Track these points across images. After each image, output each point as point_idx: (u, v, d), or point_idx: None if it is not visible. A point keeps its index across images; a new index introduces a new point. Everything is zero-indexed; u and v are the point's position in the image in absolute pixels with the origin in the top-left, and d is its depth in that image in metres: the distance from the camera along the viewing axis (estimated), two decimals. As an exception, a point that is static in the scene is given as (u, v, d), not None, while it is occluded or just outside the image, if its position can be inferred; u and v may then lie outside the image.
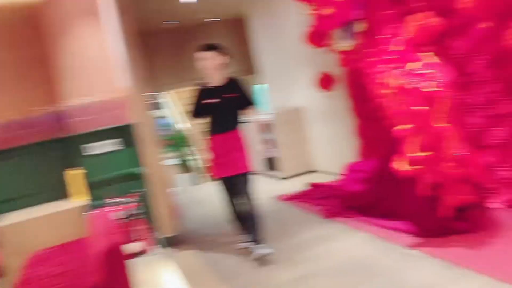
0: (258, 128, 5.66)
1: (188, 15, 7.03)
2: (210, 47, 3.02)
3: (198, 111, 2.99)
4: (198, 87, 3.03)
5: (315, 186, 4.40)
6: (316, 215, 3.58)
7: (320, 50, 3.98)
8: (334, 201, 3.68)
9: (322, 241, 3.01)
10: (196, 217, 4.47)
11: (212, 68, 2.95)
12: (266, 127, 5.53)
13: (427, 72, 2.35)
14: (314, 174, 5.24)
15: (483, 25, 2.37)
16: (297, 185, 4.80)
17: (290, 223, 3.59)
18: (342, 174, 4.03)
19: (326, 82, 4.19)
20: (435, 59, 2.59)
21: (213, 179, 3.21)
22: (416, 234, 2.64)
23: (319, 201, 3.87)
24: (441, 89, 2.23)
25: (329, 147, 4.97)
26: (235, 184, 2.94)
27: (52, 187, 3.52)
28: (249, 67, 8.08)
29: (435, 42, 2.75)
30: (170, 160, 10.49)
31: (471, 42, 2.68)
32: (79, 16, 3.40)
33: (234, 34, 8.13)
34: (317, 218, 3.52)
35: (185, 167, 9.82)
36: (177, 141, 9.93)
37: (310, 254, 2.82)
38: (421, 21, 2.64)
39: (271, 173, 5.57)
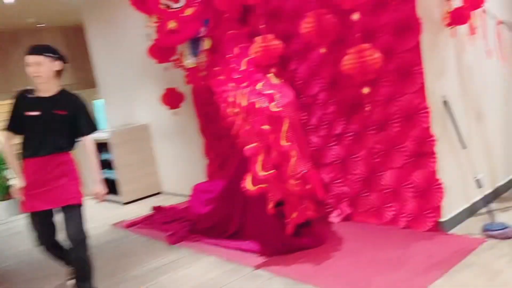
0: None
1: (14, 18, 6.09)
2: (42, 50, 2.36)
3: (14, 124, 2.34)
4: (19, 94, 2.39)
5: (159, 209, 4.15)
6: (160, 242, 3.33)
7: (165, 65, 3.81)
8: (179, 225, 3.49)
9: (166, 270, 2.78)
10: (14, 253, 3.74)
11: (42, 75, 2.30)
12: (103, 146, 5.05)
13: (269, 93, 2.40)
14: (160, 197, 4.97)
15: (321, 50, 2.53)
16: (141, 209, 4.46)
17: (131, 253, 3.25)
18: (188, 196, 3.89)
19: (171, 98, 4.02)
20: (277, 81, 2.69)
21: (24, 213, 2.47)
22: (263, 254, 2.64)
23: (163, 226, 3.62)
24: (283, 109, 2.29)
25: (176, 167, 4.78)
26: (64, 220, 2.37)
27: None
28: (87, 80, 7.41)
29: (277, 64, 2.86)
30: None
31: (310, 66, 2.86)
32: None
33: (70, 43, 7.39)
34: (161, 245, 3.27)
35: (2, 192, 8.38)
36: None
37: (154, 286, 2.57)
38: (263, 43, 2.71)
39: (110, 197, 5.08)
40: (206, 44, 3.36)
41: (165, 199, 4.79)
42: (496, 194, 2.84)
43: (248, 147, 2.37)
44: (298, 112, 2.56)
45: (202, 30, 3.31)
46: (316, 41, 2.53)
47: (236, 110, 2.60)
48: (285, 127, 2.27)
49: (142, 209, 4.44)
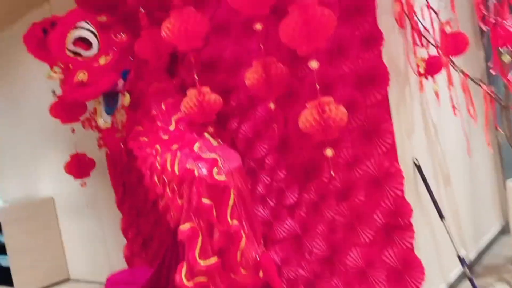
0: (-19, 228, 4.17)
1: None
2: None
3: None
4: None
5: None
6: None
7: (72, 125, 3.18)
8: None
9: None
10: None
11: None
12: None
13: (209, 157, 1.90)
14: (68, 285, 4.07)
15: (270, 105, 2.13)
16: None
17: None
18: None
19: (80, 166, 3.35)
20: (215, 142, 2.22)
21: None
22: None
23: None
24: (228, 177, 1.80)
25: (87, 248, 3.98)
26: None
27: None
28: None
29: (214, 122, 2.41)
30: None
31: (255, 124, 2.44)
32: None
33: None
34: None
35: None
36: None
37: None
38: (197, 98, 2.25)
39: (1, 290, 4.08)
40: (125, 99, 2.82)
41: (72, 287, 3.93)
42: (469, 267, 2.53)
43: (182, 227, 1.82)
44: (246, 180, 2.08)
45: (120, 83, 2.79)
46: (262, 94, 2.14)
47: (165, 178, 2.06)
48: (231, 200, 1.78)
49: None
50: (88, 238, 3.93)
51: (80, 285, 3.99)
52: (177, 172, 1.92)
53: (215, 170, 1.80)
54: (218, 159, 1.86)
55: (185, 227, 1.82)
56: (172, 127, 2.38)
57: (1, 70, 4.51)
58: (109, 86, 2.71)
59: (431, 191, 2.12)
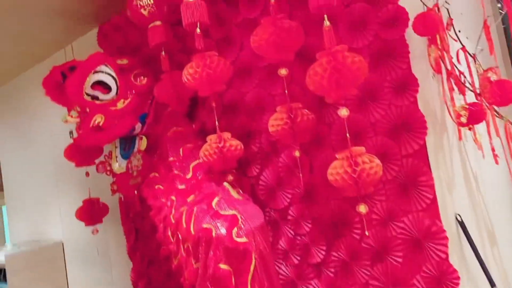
0: (-13, 274, 4.02)
1: None
2: None
3: None
4: None
5: None
6: None
7: (87, 169, 3.08)
8: None
9: None
10: None
11: None
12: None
13: (229, 214, 1.73)
14: None
15: (295, 153, 1.99)
16: None
17: None
18: None
19: (93, 212, 3.21)
20: (236, 194, 2.06)
21: None
22: None
23: None
24: (249, 239, 1.63)
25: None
26: None
27: None
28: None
29: (234, 169, 2.26)
30: None
31: (277, 171, 2.28)
32: None
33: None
34: None
35: None
36: None
37: None
38: (218, 143, 2.13)
39: None
40: (141, 143, 2.72)
41: None
42: None
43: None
44: (268, 239, 1.90)
45: (137, 127, 2.69)
46: (287, 141, 2.00)
47: (180, 236, 1.90)
48: (252, 266, 1.59)
49: None
50: (97, 286, 3.73)
51: None
52: (192, 232, 1.74)
53: (234, 230, 1.63)
54: (239, 216, 1.69)
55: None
56: (189, 175, 2.24)
57: (18, 110, 4.51)
58: (126, 131, 2.62)
59: (478, 253, 1.90)
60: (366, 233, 1.79)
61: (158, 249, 3.02)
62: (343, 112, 1.68)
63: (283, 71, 1.92)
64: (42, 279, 3.86)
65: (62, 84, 2.72)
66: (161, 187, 2.35)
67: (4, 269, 3.74)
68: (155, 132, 2.74)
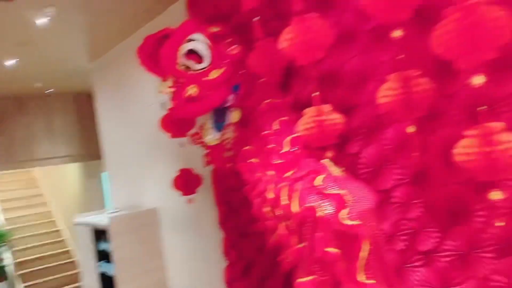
0: (92, 234, 4.33)
1: (20, 83, 5.67)
2: None
3: None
4: None
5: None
6: None
7: (180, 140, 3.10)
8: None
9: None
10: None
11: None
12: (101, 234, 4.24)
13: (336, 193, 1.57)
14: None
15: (401, 128, 1.76)
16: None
17: None
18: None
19: (185, 182, 3.25)
20: (338, 171, 1.89)
21: None
22: None
23: None
24: (360, 222, 1.46)
25: (188, 264, 3.90)
26: None
27: None
28: (96, 150, 6.87)
29: (334, 146, 2.09)
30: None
31: (382, 148, 2.06)
32: None
33: (82, 111, 6.96)
34: None
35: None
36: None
37: None
38: (317, 117, 1.96)
39: (106, 298, 4.19)
40: (234, 115, 2.65)
41: (172, 306, 3.86)
42: None
43: (302, 280, 1.52)
44: (380, 226, 1.72)
45: (230, 98, 2.62)
46: (399, 116, 1.77)
47: (279, 212, 1.79)
48: (364, 251, 1.43)
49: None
50: (189, 254, 3.85)
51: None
52: (295, 210, 1.62)
53: (344, 212, 1.47)
54: (348, 197, 1.53)
55: (306, 279, 1.51)
56: (285, 150, 2.11)
57: (116, 81, 4.71)
58: (220, 102, 2.55)
59: None
60: (499, 223, 1.53)
61: (250, 222, 2.98)
62: (477, 80, 1.41)
63: (397, 33, 1.67)
64: (140, 241, 4.08)
65: (156, 54, 2.71)
66: (255, 161, 2.26)
67: (107, 231, 4.01)
68: (247, 104, 2.64)
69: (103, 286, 4.25)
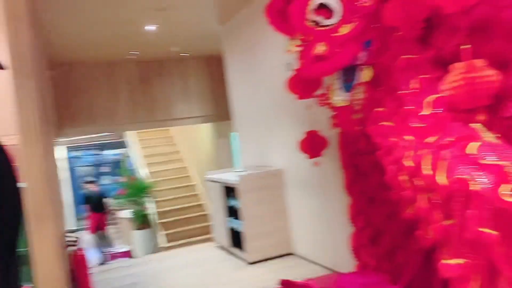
0: (222, 191, 4.61)
1: (158, 47, 6.16)
2: None
3: None
4: None
5: (287, 284, 3.30)
6: None
7: (307, 101, 3.04)
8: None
9: None
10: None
11: None
12: (230, 191, 4.48)
13: (496, 164, 1.34)
14: (291, 260, 4.14)
15: None
16: (268, 275, 3.71)
17: None
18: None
19: (311, 144, 3.21)
20: (493, 138, 1.63)
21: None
22: None
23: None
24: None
25: (312, 227, 3.92)
26: None
27: None
28: (226, 111, 7.21)
29: (487, 108, 1.81)
30: (125, 212, 9.29)
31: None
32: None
33: (214, 73, 7.32)
34: None
35: (142, 221, 8.62)
36: (134, 190, 8.77)
37: None
38: (467, 74, 1.70)
39: (235, 251, 4.45)
40: (365, 74, 2.47)
41: (296, 265, 3.95)
42: None
43: (450, 261, 1.36)
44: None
45: (361, 56, 2.44)
46: None
47: (420, 183, 1.63)
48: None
49: (270, 275, 3.68)
50: (314, 216, 3.86)
51: (302, 263, 4.00)
52: (442, 181, 1.44)
53: (504, 187, 1.25)
54: (510, 169, 1.30)
55: (455, 262, 1.34)
56: (426, 112, 1.89)
57: (244, 43, 4.80)
58: (350, 60, 2.39)
59: None
60: None
61: (379, 188, 2.83)
62: None
63: None
64: (266, 201, 4.21)
65: (284, 11, 2.64)
66: (389, 124, 2.08)
67: (236, 189, 4.22)
68: (381, 61, 2.43)
69: (232, 240, 4.53)
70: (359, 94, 2.52)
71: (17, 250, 0.80)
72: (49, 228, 2.36)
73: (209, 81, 7.41)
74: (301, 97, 2.95)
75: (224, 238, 4.72)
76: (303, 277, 3.51)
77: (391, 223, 2.78)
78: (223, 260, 4.47)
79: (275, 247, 4.21)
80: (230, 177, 4.45)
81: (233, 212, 4.46)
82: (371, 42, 2.42)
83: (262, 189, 4.22)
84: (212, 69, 7.33)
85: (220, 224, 4.81)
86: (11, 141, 2.27)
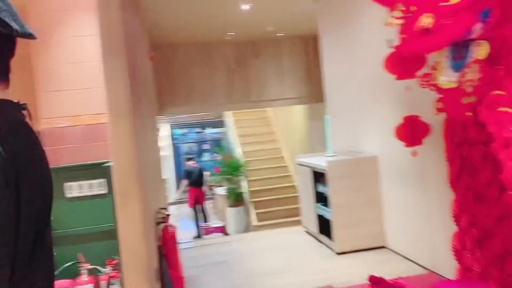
0: (311, 176, 4.40)
1: (253, 27, 6.08)
2: None
3: None
4: None
5: (378, 283, 3.03)
6: None
7: (407, 82, 2.68)
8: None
9: None
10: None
11: None
12: (319, 176, 4.26)
13: None
14: (382, 254, 3.83)
15: None
16: (357, 269, 3.48)
17: None
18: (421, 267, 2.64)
19: (410, 131, 2.84)
20: None
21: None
22: None
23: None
24: None
25: (408, 222, 3.55)
26: None
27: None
28: (320, 93, 6.95)
29: None
30: (221, 189, 9.57)
31: None
32: (70, 9, 2.51)
33: (309, 53, 7.08)
34: None
35: (236, 199, 8.81)
36: (229, 168, 8.95)
37: None
38: None
39: (323, 238, 4.26)
40: (480, 51, 2.06)
41: (388, 260, 3.63)
42: None
43: None
44: None
45: (476, 29, 2.03)
46: None
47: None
48: None
49: (359, 269, 3.44)
50: (410, 209, 3.49)
51: (394, 258, 3.66)
52: None
53: None
54: None
55: None
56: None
57: (339, 21, 4.46)
58: (462, 33, 2.01)
59: None
60: None
61: (490, 186, 2.42)
62: None
63: None
64: (357, 189, 3.92)
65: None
66: (509, 110, 1.70)
67: (325, 174, 3.99)
68: (501, 34, 2.01)
69: (320, 227, 4.33)
70: (472, 74, 2.12)
71: (46, 240, 0.71)
72: (134, 205, 2.38)
73: (304, 61, 7.18)
74: (400, 77, 2.60)
75: (312, 224, 4.54)
76: (394, 274, 3.21)
77: (502, 226, 2.36)
78: (310, 247, 4.30)
79: (365, 239, 3.92)
80: (320, 161, 4.23)
81: (322, 198, 4.25)
82: (489, 12, 2.01)
83: (353, 176, 3.93)
84: (307, 49, 7.09)
85: (308, 210, 4.64)
86: (100, 119, 2.31)
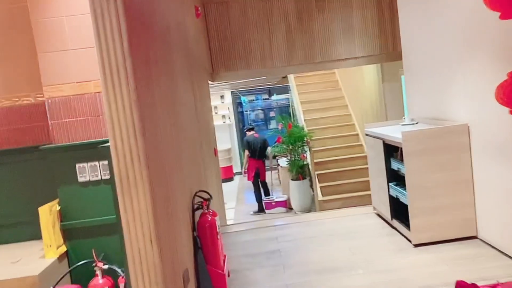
0: (383, 149, 3.78)
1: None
2: None
3: None
4: None
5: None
6: None
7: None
8: None
9: None
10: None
11: None
12: (393, 150, 3.64)
13: None
14: (473, 246, 3.18)
15: None
16: (438, 266, 2.91)
17: None
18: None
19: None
20: None
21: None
22: None
23: None
24: None
25: (507, 204, 2.87)
26: None
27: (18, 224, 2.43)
28: (395, 50, 6.19)
29: None
30: (284, 161, 9.13)
31: None
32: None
33: (376, 4, 6.34)
34: None
35: (299, 172, 8.34)
36: (292, 138, 8.44)
37: None
38: None
39: (398, 225, 3.68)
40: None
41: (480, 255, 3.01)
42: None
43: None
44: None
45: None
46: None
47: None
48: None
49: (441, 267, 2.88)
50: (510, 192, 2.80)
51: (488, 253, 3.00)
52: None
53: None
54: None
55: None
56: None
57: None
58: None
59: None
60: None
61: None
62: None
63: None
64: (441, 166, 3.25)
65: None
66: None
67: (400, 148, 3.37)
68: None
69: (394, 211, 3.75)
70: None
71: None
72: (139, 196, 1.98)
73: (376, 14, 6.38)
74: (505, 15, 1.91)
75: (384, 207, 3.96)
76: (489, 276, 2.60)
77: None
78: (382, 235, 3.75)
79: (451, 228, 3.29)
80: (394, 132, 3.60)
81: (396, 177, 3.65)
82: None
83: (436, 150, 3.26)
84: (380, 0, 6.29)
85: (379, 190, 4.05)
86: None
